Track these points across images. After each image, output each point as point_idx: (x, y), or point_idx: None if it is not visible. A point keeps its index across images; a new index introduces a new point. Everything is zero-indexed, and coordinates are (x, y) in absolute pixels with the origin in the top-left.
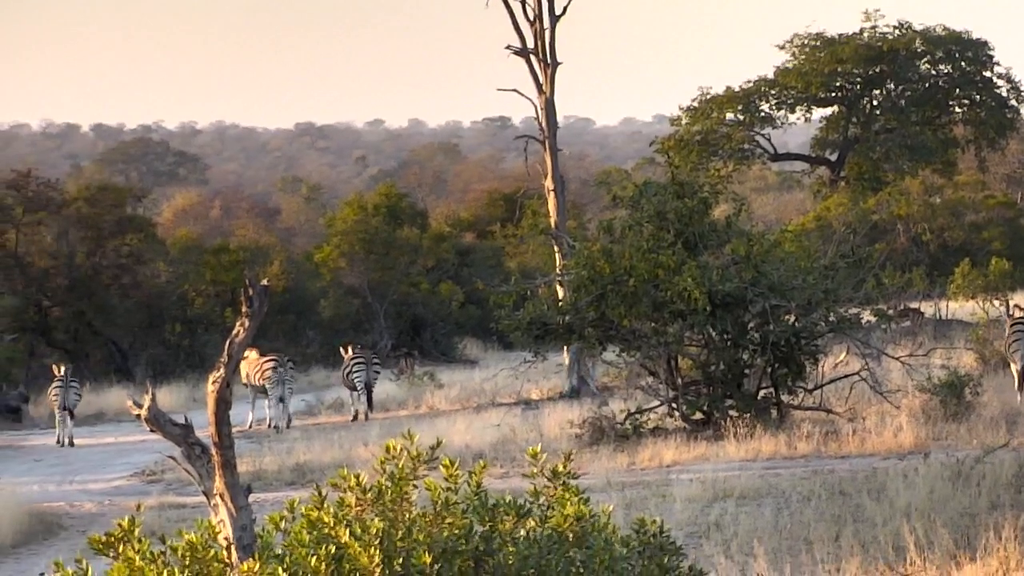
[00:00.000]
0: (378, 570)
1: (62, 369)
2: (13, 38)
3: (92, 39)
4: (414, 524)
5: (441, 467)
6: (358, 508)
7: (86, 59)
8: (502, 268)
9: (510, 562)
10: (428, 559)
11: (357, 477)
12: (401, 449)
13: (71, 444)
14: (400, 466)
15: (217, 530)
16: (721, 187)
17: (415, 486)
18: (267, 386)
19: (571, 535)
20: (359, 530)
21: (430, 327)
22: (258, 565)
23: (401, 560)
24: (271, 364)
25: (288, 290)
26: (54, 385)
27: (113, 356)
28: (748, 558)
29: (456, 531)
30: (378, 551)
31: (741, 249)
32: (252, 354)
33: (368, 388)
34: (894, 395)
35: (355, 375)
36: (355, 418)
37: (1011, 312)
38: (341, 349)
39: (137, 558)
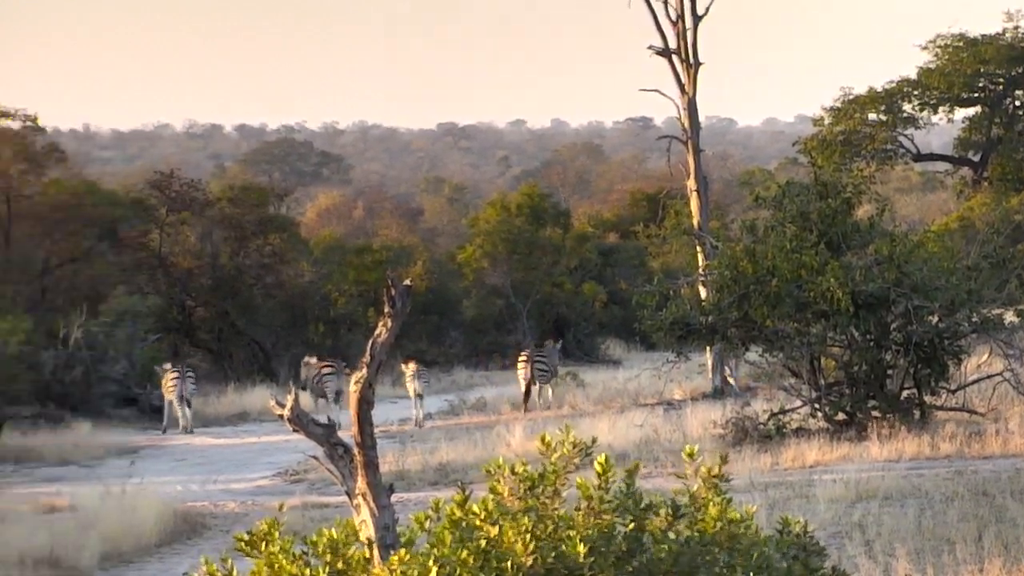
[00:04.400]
0: (531, 560)
1: (170, 364)
2: (157, 39)
3: (232, 39)
4: (563, 520)
5: (595, 464)
6: (509, 499)
7: (228, 59)
8: (645, 268)
9: (662, 556)
10: (583, 550)
11: (512, 467)
12: (559, 443)
13: (192, 431)
14: (554, 460)
15: (359, 530)
16: (864, 187)
17: (567, 480)
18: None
19: (720, 536)
20: (507, 524)
21: (573, 327)
22: (408, 556)
23: (554, 554)
24: (329, 370)
25: (431, 290)
26: (170, 377)
27: (256, 356)
28: (890, 559)
29: (603, 530)
30: (533, 540)
31: (884, 249)
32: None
33: (526, 384)
34: None
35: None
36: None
37: None
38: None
39: (280, 556)
